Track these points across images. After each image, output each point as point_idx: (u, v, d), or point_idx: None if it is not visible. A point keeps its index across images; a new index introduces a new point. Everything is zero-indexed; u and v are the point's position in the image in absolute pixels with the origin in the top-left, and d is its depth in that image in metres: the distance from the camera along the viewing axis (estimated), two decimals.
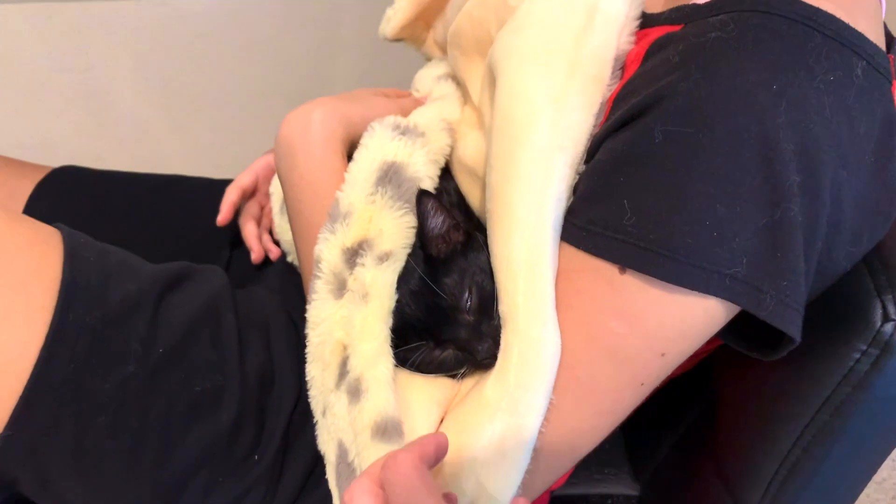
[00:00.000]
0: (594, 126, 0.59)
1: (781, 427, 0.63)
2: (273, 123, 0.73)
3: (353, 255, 0.62)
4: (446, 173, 0.73)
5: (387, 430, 0.57)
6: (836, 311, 0.60)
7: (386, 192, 0.63)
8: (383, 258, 0.61)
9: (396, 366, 0.60)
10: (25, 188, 1.01)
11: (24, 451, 0.58)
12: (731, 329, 0.58)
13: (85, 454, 0.59)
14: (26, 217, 0.65)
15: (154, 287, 0.66)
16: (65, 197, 1.02)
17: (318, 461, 0.71)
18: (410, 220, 0.63)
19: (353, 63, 1.62)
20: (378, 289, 0.61)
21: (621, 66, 0.60)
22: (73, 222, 0.69)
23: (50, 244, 0.62)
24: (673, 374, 0.77)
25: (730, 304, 0.52)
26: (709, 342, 0.68)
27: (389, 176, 0.64)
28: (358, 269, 0.61)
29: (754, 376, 0.68)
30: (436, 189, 0.68)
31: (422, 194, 0.63)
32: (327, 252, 0.63)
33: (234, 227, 1.04)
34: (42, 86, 1.52)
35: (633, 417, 0.85)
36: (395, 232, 0.62)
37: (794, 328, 0.52)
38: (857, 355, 0.57)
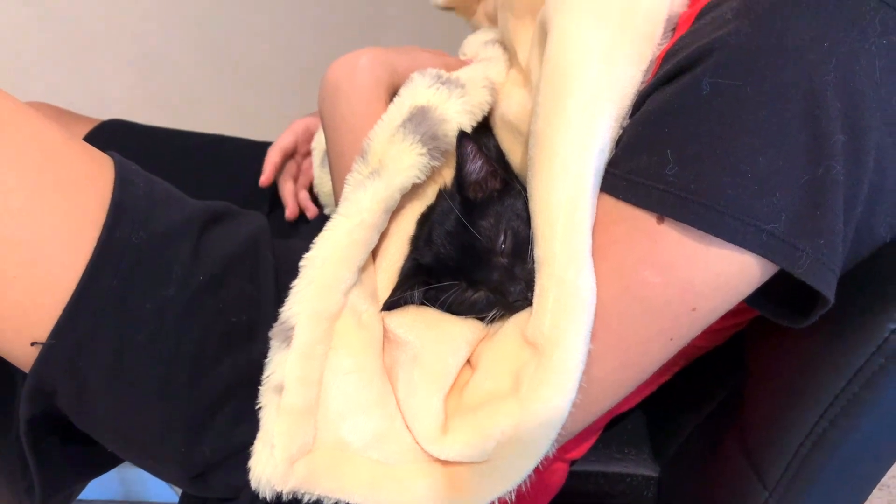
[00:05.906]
0: (642, 82, 0.59)
1: (810, 397, 0.61)
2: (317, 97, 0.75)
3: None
4: (488, 131, 0.74)
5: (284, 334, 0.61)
6: (872, 280, 0.59)
7: (405, 130, 0.65)
8: (371, 177, 0.64)
9: (426, 304, 0.61)
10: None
11: (67, 361, 0.59)
12: (765, 296, 0.58)
13: (122, 370, 0.61)
14: (81, 140, 0.67)
15: (198, 218, 0.67)
16: (112, 148, 1.03)
17: None
18: (418, 148, 0.64)
19: (401, 37, 1.65)
20: (349, 206, 0.63)
21: (673, 26, 0.61)
22: None
23: (103, 165, 0.64)
24: (702, 345, 0.77)
25: (765, 261, 0.52)
26: (741, 314, 0.68)
27: (415, 118, 0.66)
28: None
29: (785, 347, 0.67)
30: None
31: (462, 136, 0.63)
32: (348, 189, 0.66)
33: (274, 187, 1.06)
34: (95, 45, 1.56)
35: (657, 397, 0.85)
36: (395, 155, 0.64)
37: (827, 288, 0.52)
38: (893, 325, 0.56)
